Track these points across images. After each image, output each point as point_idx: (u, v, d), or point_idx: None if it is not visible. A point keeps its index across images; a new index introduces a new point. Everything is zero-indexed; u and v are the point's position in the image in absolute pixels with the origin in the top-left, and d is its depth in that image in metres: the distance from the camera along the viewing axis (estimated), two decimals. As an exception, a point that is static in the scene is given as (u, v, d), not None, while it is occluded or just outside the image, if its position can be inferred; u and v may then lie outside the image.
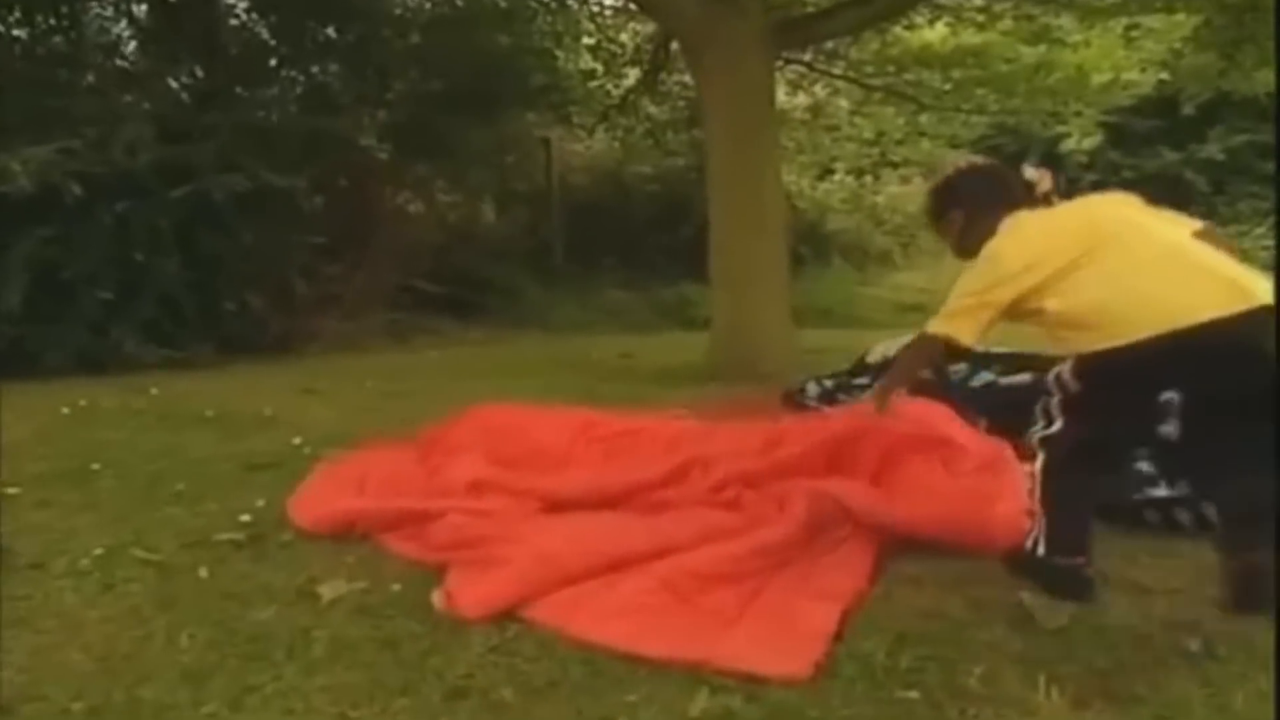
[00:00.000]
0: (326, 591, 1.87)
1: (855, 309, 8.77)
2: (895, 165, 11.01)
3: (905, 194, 11.07)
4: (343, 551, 2.13)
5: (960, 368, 3.45)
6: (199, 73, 7.85)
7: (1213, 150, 12.16)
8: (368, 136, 9.51)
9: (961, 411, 3.21)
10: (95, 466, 2.92)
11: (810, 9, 6.51)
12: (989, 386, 3.35)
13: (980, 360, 3.44)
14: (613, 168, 11.12)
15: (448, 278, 8.85)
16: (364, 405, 4.29)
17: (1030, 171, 2.31)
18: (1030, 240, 2.03)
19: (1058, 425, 1.96)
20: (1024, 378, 3.26)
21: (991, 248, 2.05)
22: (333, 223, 7.89)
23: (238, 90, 7.84)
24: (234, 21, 8.66)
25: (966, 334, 2.00)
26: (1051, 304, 1.92)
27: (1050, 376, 2.04)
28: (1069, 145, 11.32)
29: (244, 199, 5.96)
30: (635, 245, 9.95)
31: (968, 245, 2.19)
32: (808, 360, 4.81)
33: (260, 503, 2.53)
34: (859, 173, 11.19)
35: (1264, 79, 6.84)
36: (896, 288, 9.62)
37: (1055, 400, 1.98)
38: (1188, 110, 8.98)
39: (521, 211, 10.69)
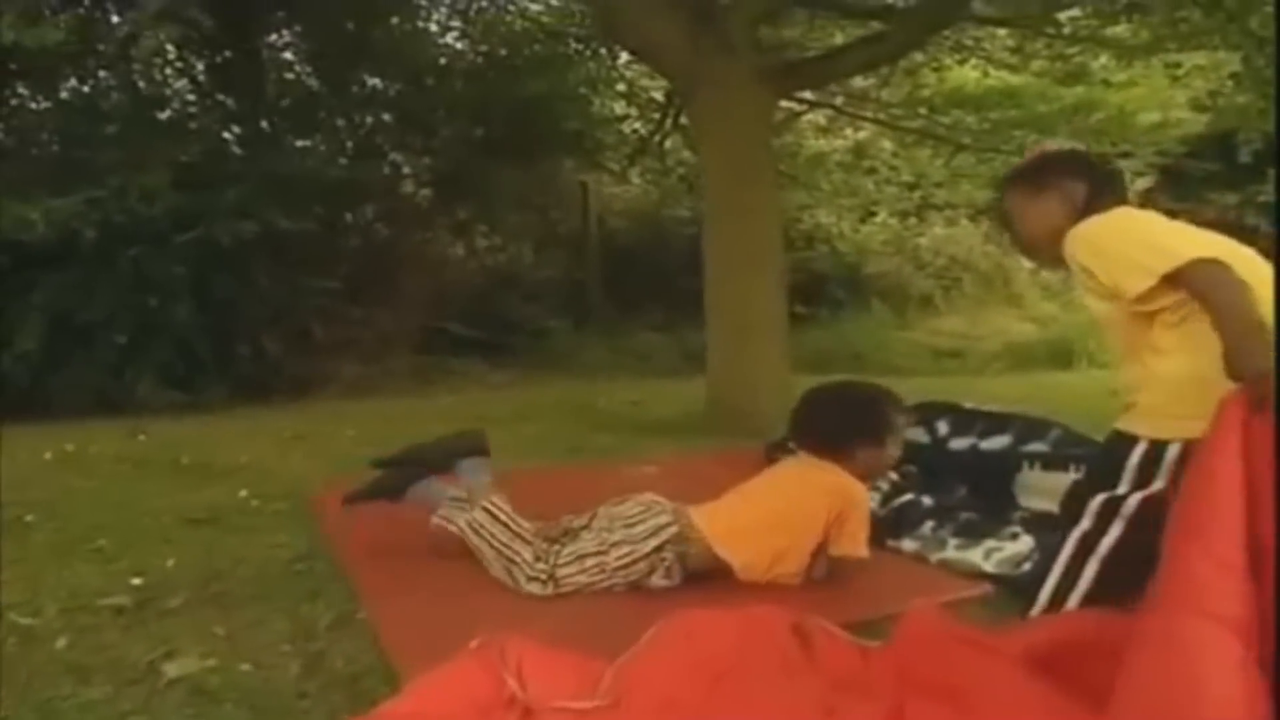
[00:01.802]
0: (172, 669, 1.76)
1: (890, 355, 8.48)
2: (939, 208, 10.72)
3: (950, 236, 10.77)
4: (220, 621, 2.03)
5: (941, 426, 3.23)
6: (247, 123, 8.06)
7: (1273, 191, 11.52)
8: (407, 183, 9.70)
9: (940, 476, 3.02)
10: (29, 519, 2.90)
11: (813, 52, 6.39)
12: (972, 449, 3.12)
13: (963, 419, 3.22)
14: (651, 211, 11.09)
15: (481, 320, 8.88)
16: (343, 454, 4.22)
17: (1139, 182, 2.12)
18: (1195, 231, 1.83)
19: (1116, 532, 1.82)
20: (1004, 440, 3.04)
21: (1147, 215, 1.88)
22: (359, 266, 7.98)
23: (285, 139, 8.05)
24: (289, 75, 8.93)
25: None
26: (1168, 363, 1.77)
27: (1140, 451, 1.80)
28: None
29: (258, 244, 6.03)
30: (671, 288, 9.82)
31: (1046, 233, 1.96)
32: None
33: (170, 563, 2.46)
34: (902, 215, 10.92)
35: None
36: (935, 332, 9.30)
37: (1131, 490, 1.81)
38: (1244, 157, 8.50)
39: (559, 254, 10.72)
